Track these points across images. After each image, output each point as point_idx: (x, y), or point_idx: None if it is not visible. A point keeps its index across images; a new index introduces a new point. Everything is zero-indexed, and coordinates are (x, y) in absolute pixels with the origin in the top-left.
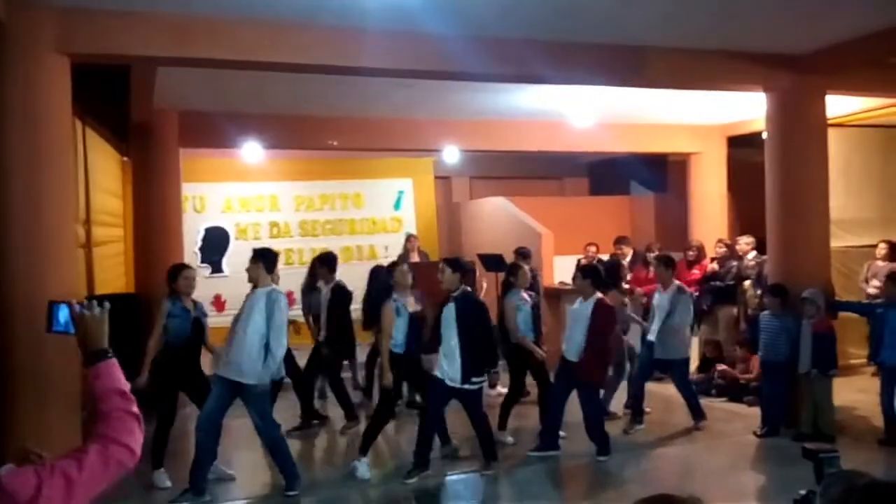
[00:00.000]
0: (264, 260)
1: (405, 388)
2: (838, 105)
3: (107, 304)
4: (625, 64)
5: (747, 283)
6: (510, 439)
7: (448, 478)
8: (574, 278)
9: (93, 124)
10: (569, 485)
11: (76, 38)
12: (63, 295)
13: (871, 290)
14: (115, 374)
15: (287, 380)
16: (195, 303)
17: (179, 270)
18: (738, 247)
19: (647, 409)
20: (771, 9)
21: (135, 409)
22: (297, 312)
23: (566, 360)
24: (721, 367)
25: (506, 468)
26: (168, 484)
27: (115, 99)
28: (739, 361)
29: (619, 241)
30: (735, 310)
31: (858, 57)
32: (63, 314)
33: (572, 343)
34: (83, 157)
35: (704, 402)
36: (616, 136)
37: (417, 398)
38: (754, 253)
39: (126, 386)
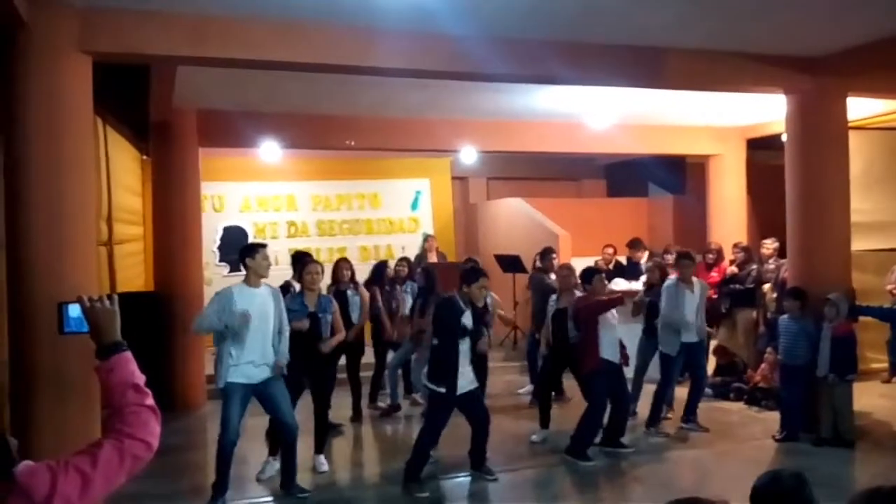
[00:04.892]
0: None
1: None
2: (860, 107)
3: (115, 297)
4: (643, 65)
5: (767, 286)
6: (535, 437)
7: (464, 478)
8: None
9: (114, 123)
10: (587, 487)
11: (97, 38)
12: (84, 294)
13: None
14: (130, 368)
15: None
16: None
17: (304, 263)
18: (762, 250)
19: (669, 415)
20: (791, 10)
21: (150, 402)
22: None
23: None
24: (751, 378)
25: (526, 469)
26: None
27: (135, 98)
28: (762, 372)
29: (632, 244)
30: (754, 313)
31: (879, 59)
32: (74, 313)
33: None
34: (104, 155)
35: (722, 406)
36: (634, 137)
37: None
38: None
39: (140, 379)
